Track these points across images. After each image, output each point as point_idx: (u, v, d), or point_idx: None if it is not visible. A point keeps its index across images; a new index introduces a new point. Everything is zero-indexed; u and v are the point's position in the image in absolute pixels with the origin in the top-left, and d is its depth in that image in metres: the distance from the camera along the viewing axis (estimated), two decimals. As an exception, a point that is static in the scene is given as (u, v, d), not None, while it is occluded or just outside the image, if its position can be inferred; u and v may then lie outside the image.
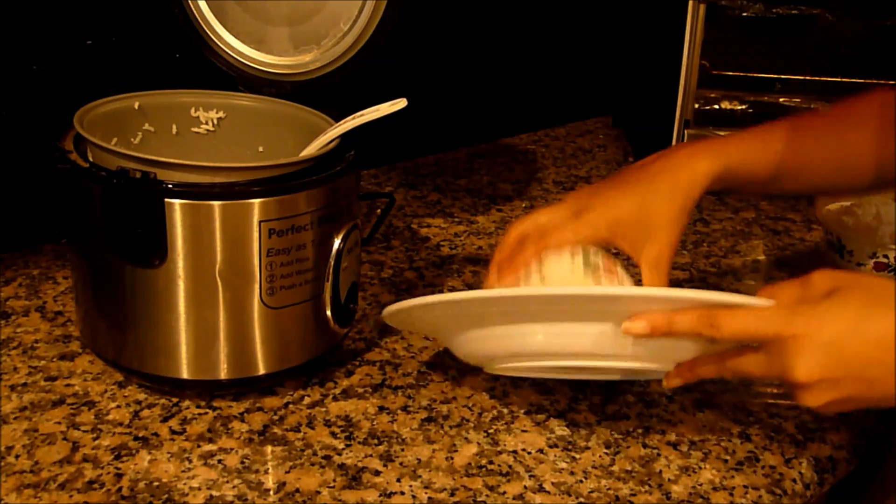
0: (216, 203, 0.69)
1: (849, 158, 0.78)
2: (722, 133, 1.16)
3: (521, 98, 1.46)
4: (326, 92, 0.87)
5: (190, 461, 0.70)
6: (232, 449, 0.72)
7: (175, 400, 0.77)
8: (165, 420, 0.75)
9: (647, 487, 0.70)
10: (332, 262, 0.75)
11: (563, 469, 0.71)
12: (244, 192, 0.69)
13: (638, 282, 0.73)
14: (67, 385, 0.79)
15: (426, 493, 0.68)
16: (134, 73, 0.96)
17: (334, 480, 0.70)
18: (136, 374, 0.77)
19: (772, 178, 0.76)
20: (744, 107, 1.27)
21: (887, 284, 0.59)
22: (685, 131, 1.20)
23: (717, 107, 1.27)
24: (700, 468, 0.73)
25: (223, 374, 0.74)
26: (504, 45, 1.40)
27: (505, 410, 0.78)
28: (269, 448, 0.73)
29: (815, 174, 0.78)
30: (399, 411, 0.78)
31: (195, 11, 0.87)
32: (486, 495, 0.68)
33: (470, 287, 0.99)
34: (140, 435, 0.73)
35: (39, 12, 0.93)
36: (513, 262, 0.72)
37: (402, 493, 0.68)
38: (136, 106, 0.81)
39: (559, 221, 0.72)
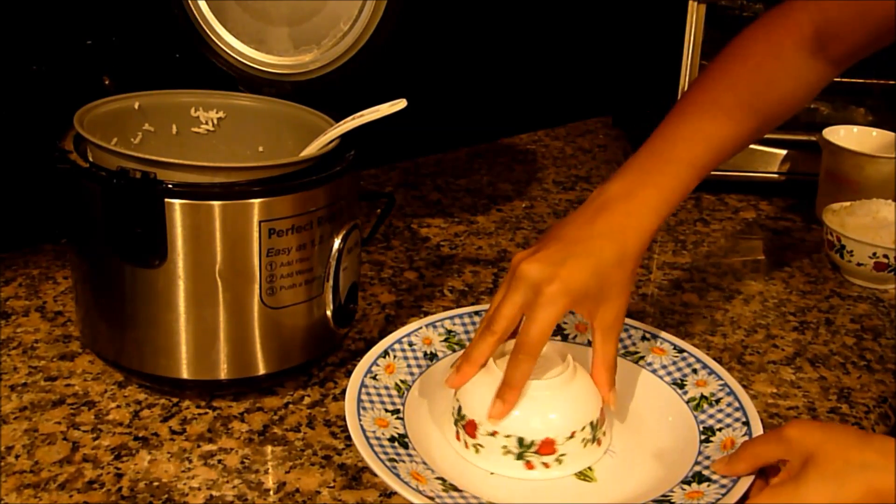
0: (216, 203, 0.69)
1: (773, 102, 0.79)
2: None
3: (521, 98, 1.46)
4: (326, 92, 0.87)
5: (190, 461, 0.70)
6: (232, 449, 0.72)
7: (175, 400, 0.77)
8: (165, 420, 0.75)
9: None
10: (332, 262, 0.75)
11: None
12: (244, 192, 0.69)
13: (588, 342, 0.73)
14: (67, 385, 0.79)
15: (426, 493, 0.68)
16: (134, 73, 0.96)
17: (334, 480, 0.70)
18: (136, 374, 0.77)
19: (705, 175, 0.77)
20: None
21: (860, 443, 0.60)
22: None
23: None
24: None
25: (223, 374, 0.74)
26: (504, 45, 1.40)
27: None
28: (269, 448, 0.73)
29: (737, 150, 0.78)
30: (399, 411, 0.77)
31: (195, 11, 0.87)
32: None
33: (469, 287, 0.99)
34: (140, 435, 0.73)
35: (39, 12, 0.93)
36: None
37: (403, 493, 0.68)
38: (136, 106, 0.81)
39: (522, 307, 0.69)
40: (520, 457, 0.68)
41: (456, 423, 0.71)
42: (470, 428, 0.69)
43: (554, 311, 0.68)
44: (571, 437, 0.69)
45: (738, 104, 0.76)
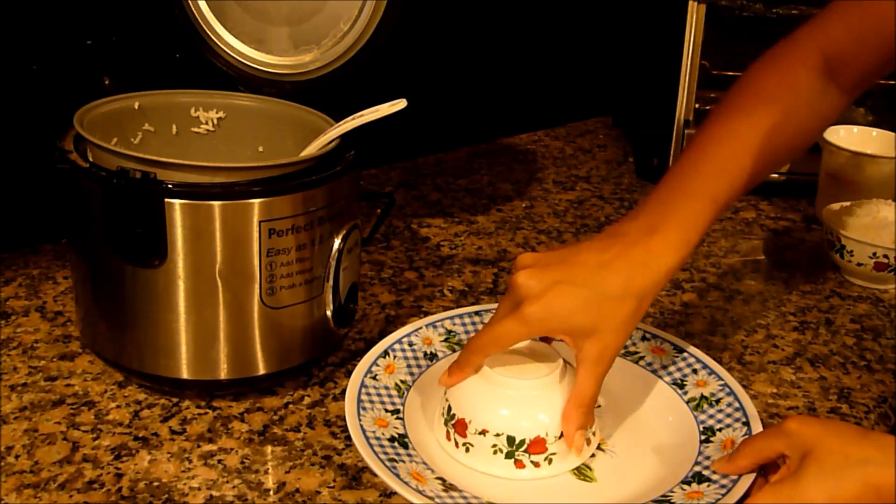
0: (216, 203, 0.69)
1: (794, 135, 0.78)
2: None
3: (521, 98, 1.46)
4: (326, 92, 0.87)
5: (190, 461, 0.70)
6: (232, 449, 0.72)
7: (175, 400, 0.77)
8: (165, 420, 0.75)
9: None
10: (332, 262, 0.75)
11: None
12: (244, 192, 0.69)
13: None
14: (67, 385, 0.79)
15: (426, 493, 0.68)
16: (134, 73, 0.96)
17: (334, 480, 0.70)
18: (136, 374, 0.77)
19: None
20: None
21: (860, 438, 0.60)
22: (685, 131, 1.20)
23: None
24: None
25: (223, 374, 0.74)
26: (504, 45, 1.40)
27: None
28: (269, 448, 0.73)
29: (755, 183, 0.76)
30: (399, 411, 0.77)
31: (195, 11, 0.87)
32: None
33: (469, 287, 0.99)
34: (140, 435, 0.73)
35: (39, 12, 0.93)
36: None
37: (403, 493, 0.68)
38: (136, 106, 0.81)
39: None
40: (510, 455, 0.68)
41: (446, 423, 0.71)
42: (460, 427, 0.69)
43: (522, 331, 0.67)
44: (562, 436, 0.69)
45: (758, 138, 0.74)
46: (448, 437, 0.70)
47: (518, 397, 0.69)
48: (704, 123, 0.77)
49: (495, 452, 0.68)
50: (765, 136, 0.75)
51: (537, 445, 0.68)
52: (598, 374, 0.68)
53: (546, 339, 0.74)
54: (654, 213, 0.71)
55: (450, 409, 0.70)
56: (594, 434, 0.72)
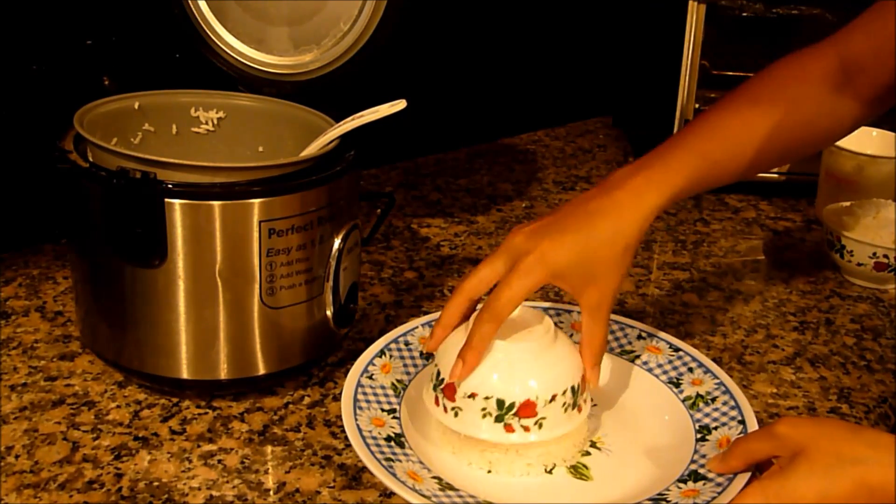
0: (216, 203, 0.69)
1: (804, 127, 0.79)
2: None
3: (521, 98, 1.46)
4: (326, 92, 0.87)
5: (190, 461, 0.70)
6: (232, 449, 0.72)
7: (175, 400, 0.77)
8: (165, 420, 0.75)
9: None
10: (332, 262, 0.75)
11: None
12: (244, 192, 0.69)
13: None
14: (67, 385, 0.79)
15: (426, 493, 0.68)
16: (134, 73, 0.96)
17: (334, 480, 0.70)
18: (136, 374, 0.77)
19: (716, 182, 0.77)
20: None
21: (853, 440, 0.60)
22: (685, 131, 1.20)
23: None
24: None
25: (223, 374, 0.74)
26: (504, 45, 1.40)
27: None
28: (269, 448, 0.73)
29: (756, 163, 0.77)
30: (399, 411, 0.77)
31: (195, 11, 0.87)
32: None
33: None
34: (140, 435, 0.73)
35: (39, 12, 0.93)
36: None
37: (402, 493, 0.68)
38: (136, 106, 0.81)
39: (501, 274, 0.70)
40: (499, 419, 0.68)
41: (435, 388, 0.70)
42: (448, 391, 0.69)
43: (527, 282, 0.68)
44: (552, 400, 0.68)
45: (759, 119, 0.76)
46: (437, 403, 0.70)
47: (508, 361, 0.68)
48: (711, 105, 0.79)
49: (484, 416, 0.68)
50: (767, 119, 0.76)
51: (527, 409, 0.68)
52: (602, 318, 0.71)
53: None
54: (642, 161, 0.74)
55: (438, 374, 0.70)
56: (585, 402, 0.71)
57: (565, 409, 0.69)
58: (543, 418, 0.68)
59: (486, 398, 0.68)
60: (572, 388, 0.69)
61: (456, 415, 0.69)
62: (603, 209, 0.71)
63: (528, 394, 0.68)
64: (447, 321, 0.72)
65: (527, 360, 0.69)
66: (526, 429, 0.68)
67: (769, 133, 0.76)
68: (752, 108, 0.77)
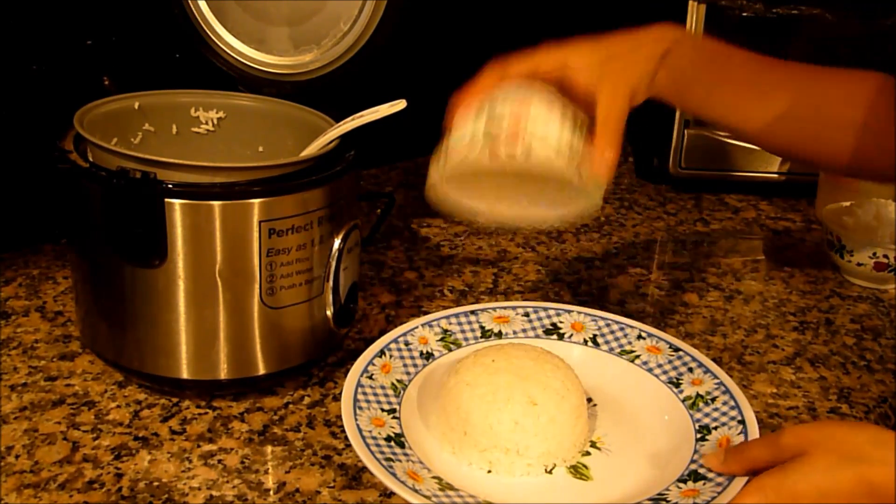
0: (216, 203, 0.69)
1: (827, 122, 0.74)
2: (722, 135, 1.18)
3: (521, 98, 1.46)
4: (326, 92, 0.87)
5: (190, 461, 0.71)
6: (232, 449, 0.72)
7: (175, 400, 0.77)
8: (165, 420, 0.75)
9: None
10: (332, 262, 0.75)
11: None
12: (244, 192, 0.69)
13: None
14: (67, 385, 0.79)
15: (426, 493, 0.68)
16: (134, 73, 0.96)
17: (334, 480, 0.70)
18: (136, 374, 0.77)
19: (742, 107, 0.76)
20: (744, 107, 1.27)
21: (854, 439, 0.60)
22: (685, 131, 1.20)
23: (717, 107, 1.27)
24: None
25: (223, 374, 0.74)
26: (504, 45, 1.40)
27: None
28: (269, 448, 0.73)
29: (791, 128, 0.75)
30: (399, 411, 0.77)
31: (195, 11, 0.87)
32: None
33: (469, 287, 0.99)
34: (140, 435, 0.73)
35: (39, 12, 0.93)
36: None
37: (402, 493, 0.68)
38: (136, 106, 0.81)
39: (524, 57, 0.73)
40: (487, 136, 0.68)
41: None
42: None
43: (540, 54, 0.73)
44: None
45: (802, 77, 0.75)
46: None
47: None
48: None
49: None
50: (813, 82, 0.75)
51: (514, 130, 0.69)
52: (622, 93, 0.69)
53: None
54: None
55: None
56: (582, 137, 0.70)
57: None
58: (530, 145, 0.68)
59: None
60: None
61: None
62: (620, 37, 0.76)
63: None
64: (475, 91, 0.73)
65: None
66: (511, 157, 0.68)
67: (814, 121, 0.74)
68: (802, 70, 0.75)
